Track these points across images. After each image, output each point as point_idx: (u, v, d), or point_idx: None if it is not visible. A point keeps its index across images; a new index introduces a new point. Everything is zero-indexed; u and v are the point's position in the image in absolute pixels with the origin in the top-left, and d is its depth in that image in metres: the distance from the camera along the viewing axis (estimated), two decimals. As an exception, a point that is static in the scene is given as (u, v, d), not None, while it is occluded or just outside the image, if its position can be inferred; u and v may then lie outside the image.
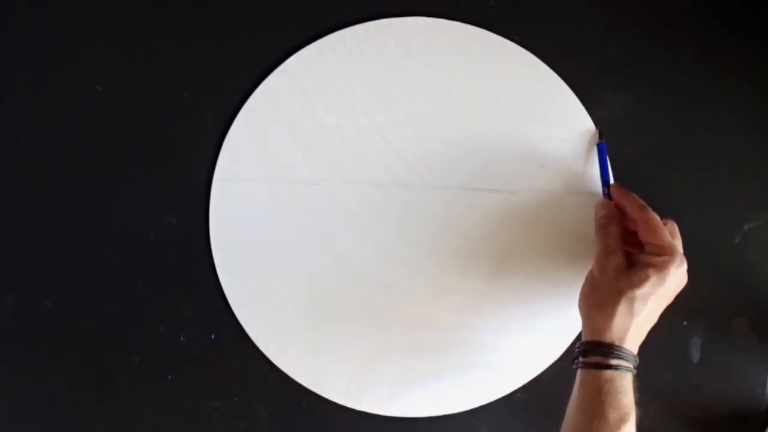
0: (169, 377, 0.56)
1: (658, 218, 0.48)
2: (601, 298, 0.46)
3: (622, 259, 0.47)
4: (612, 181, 0.53)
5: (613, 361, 0.44)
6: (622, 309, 0.45)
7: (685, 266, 0.47)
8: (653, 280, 0.45)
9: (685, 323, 0.56)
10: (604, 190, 0.53)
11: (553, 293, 0.54)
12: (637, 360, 0.46)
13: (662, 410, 0.56)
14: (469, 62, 0.54)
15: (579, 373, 0.46)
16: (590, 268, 0.50)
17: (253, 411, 0.56)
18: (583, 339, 0.47)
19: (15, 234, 0.55)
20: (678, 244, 0.49)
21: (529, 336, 0.54)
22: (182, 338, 0.55)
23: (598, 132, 0.54)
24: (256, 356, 0.55)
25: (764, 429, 0.56)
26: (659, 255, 0.46)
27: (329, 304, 0.54)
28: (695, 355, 0.56)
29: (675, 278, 0.46)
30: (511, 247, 0.54)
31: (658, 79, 0.55)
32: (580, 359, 0.46)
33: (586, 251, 0.53)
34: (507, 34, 0.54)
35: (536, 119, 0.54)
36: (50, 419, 0.56)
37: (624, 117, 0.55)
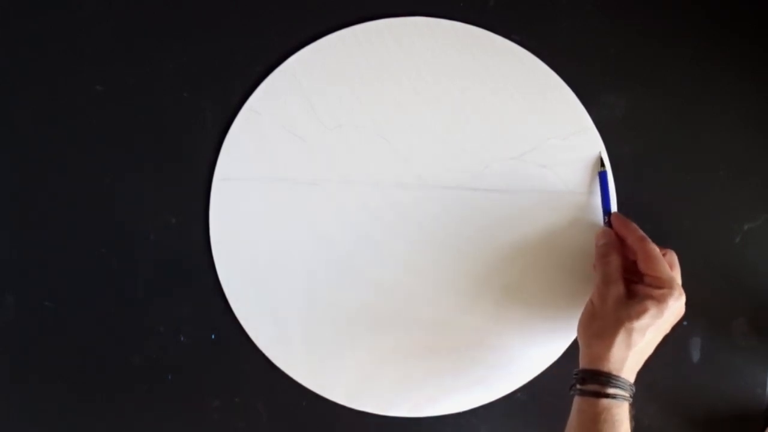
0: (169, 377, 0.56)
1: (657, 250, 0.49)
2: (600, 328, 0.47)
3: (622, 290, 0.48)
4: (614, 209, 0.53)
5: (611, 390, 0.45)
6: (620, 339, 0.46)
7: (683, 299, 0.47)
8: (652, 312, 0.46)
9: (685, 323, 0.55)
10: (604, 218, 0.53)
11: (553, 294, 0.54)
12: (634, 389, 0.47)
13: (662, 410, 0.56)
14: (469, 62, 0.54)
15: (576, 400, 0.47)
16: (591, 275, 0.50)
17: (253, 411, 0.56)
18: (581, 366, 0.48)
19: (15, 234, 0.55)
20: (677, 274, 0.49)
21: (529, 336, 0.54)
22: (182, 338, 0.55)
23: (600, 159, 0.54)
24: (256, 356, 0.55)
25: (764, 429, 0.56)
26: (658, 287, 0.47)
27: (329, 304, 0.54)
28: (695, 355, 0.56)
29: (673, 310, 0.47)
30: (511, 247, 0.54)
31: (658, 79, 0.55)
32: (578, 386, 0.47)
33: (586, 251, 0.54)
34: (507, 34, 0.54)
35: (536, 119, 0.54)
36: (50, 419, 0.56)
37: (624, 117, 0.55)
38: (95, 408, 0.56)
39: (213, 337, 0.55)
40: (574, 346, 0.54)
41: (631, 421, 0.46)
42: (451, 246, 0.54)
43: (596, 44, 0.55)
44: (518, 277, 0.54)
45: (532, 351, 0.55)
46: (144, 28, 0.55)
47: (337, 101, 0.54)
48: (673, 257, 0.50)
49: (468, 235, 0.54)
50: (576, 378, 0.47)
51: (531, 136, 0.54)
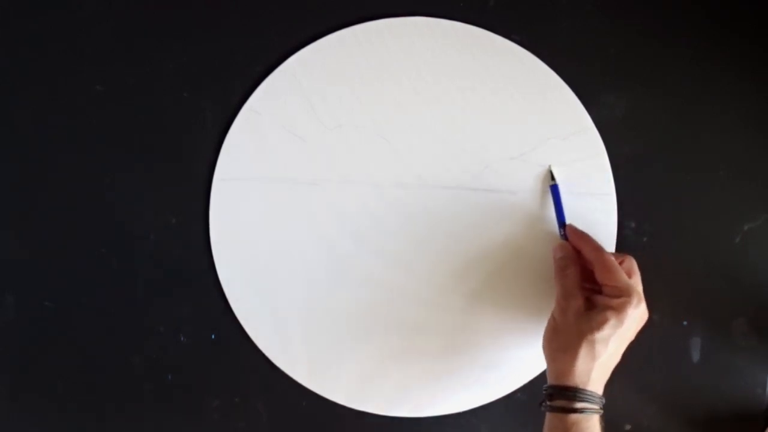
0: (169, 377, 0.56)
1: (612, 259, 0.48)
2: (562, 342, 0.47)
3: (581, 302, 0.48)
4: (567, 221, 0.53)
5: (578, 405, 0.45)
6: (584, 352, 0.45)
7: (643, 305, 0.47)
8: (612, 322, 0.46)
9: (685, 323, 0.55)
10: (560, 231, 0.53)
11: (553, 294, 0.54)
12: (603, 400, 0.47)
13: (662, 410, 0.56)
14: (469, 62, 0.54)
15: (547, 416, 0.47)
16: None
17: (253, 411, 0.56)
18: (548, 382, 0.48)
19: (15, 234, 0.55)
20: (636, 281, 0.49)
21: (529, 336, 0.54)
22: (182, 338, 0.55)
23: (550, 173, 0.53)
24: (256, 356, 0.55)
25: (764, 429, 0.56)
26: (617, 297, 0.47)
27: (329, 304, 0.54)
28: (695, 355, 0.56)
29: (634, 318, 0.46)
30: (511, 248, 0.54)
31: (658, 79, 0.55)
32: (547, 402, 0.47)
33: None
34: (507, 34, 0.54)
35: (536, 119, 0.54)
36: (50, 419, 0.56)
37: (624, 117, 0.55)
38: (95, 408, 0.56)
39: (213, 337, 0.55)
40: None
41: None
42: (450, 245, 0.54)
43: (596, 44, 0.55)
44: (519, 277, 0.54)
45: (532, 351, 0.55)
46: (144, 28, 0.55)
47: (337, 101, 0.54)
48: (632, 264, 0.50)
49: (467, 235, 0.54)
50: (545, 394, 0.47)
51: (531, 136, 0.54)
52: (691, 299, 0.55)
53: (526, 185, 0.54)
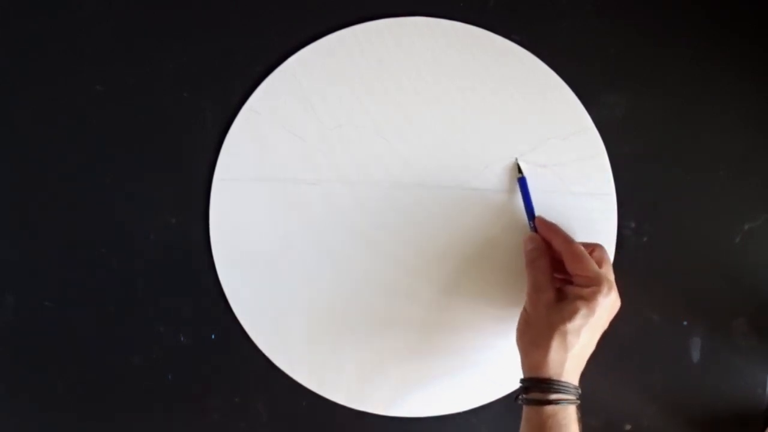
0: (169, 377, 0.56)
1: (582, 249, 0.48)
2: (535, 334, 0.47)
3: (551, 294, 0.48)
4: (536, 213, 0.53)
5: (553, 396, 0.45)
6: (556, 344, 0.45)
7: (614, 293, 0.47)
8: (583, 312, 0.46)
9: (685, 323, 0.56)
10: (530, 224, 0.53)
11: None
12: (579, 390, 0.47)
13: (662, 410, 0.56)
14: (469, 62, 0.54)
15: (524, 409, 0.47)
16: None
17: (253, 411, 0.56)
18: (523, 375, 0.48)
19: (15, 234, 0.55)
20: (606, 269, 0.49)
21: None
22: (182, 338, 0.55)
23: (517, 166, 0.53)
24: (256, 356, 0.55)
25: (764, 429, 0.56)
26: (587, 286, 0.46)
27: (329, 304, 0.55)
28: (695, 355, 0.56)
29: (605, 306, 0.46)
30: (511, 248, 0.54)
31: (658, 79, 0.55)
32: (523, 395, 0.47)
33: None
34: (507, 34, 0.54)
35: (536, 119, 0.54)
36: (50, 419, 0.56)
37: (624, 117, 0.55)
38: (95, 408, 0.56)
39: (213, 337, 0.55)
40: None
41: (579, 422, 0.46)
42: (450, 245, 0.54)
43: (596, 44, 0.55)
44: (519, 277, 0.54)
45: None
46: (144, 28, 0.55)
47: (337, 101, 0.54)
48: (602, 252, 0.50)
49: (468, 235, 0.54)
50: (520, 387, 0.47)
51: (531, 136, 0.54)
52: (691, 299, 0.55)
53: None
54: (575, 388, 0.46)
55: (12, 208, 0.55)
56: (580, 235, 0.54)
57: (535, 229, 0.52)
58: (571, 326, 0.45)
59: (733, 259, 0.55)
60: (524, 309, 0.49)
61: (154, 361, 0.55)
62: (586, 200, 0.54)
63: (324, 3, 0.54)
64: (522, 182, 0.53)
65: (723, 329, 0.56)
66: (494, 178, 0.54)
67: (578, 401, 0.46)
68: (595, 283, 0.46)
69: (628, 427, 0.56)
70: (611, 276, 0.49)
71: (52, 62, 0.55)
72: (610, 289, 0.46)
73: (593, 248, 0.50)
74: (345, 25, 0.54)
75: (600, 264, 0.49)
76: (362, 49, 0.54)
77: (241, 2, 0.55)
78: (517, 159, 0.53)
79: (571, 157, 0.54)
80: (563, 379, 0.46)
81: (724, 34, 0.55)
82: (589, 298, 0.46)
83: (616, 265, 0.54)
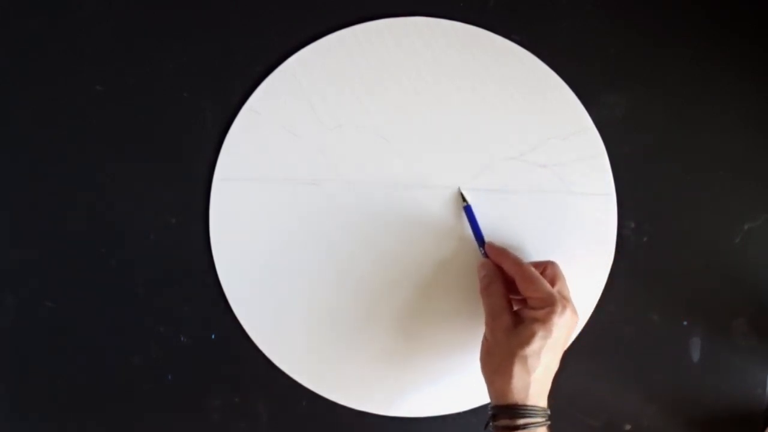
0: (169, 377, 0.56)
1: (532, 270, 0.48)
2: (496, 363, 0.47)
3: (508, 318, 0.47)
4: (486, 239, 0.53)
5: (521, 421, 0.45)
6: (518, 369, 0.45)
7: (568, 310, 0.46)
8: (540, 334, 0.45)
9: (685, 323, 0.56)
10: (480, 250, 0.53)
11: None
12: (548, 411, 0.46)
13: (662, 410, 0.56)
14: (469, 62, 0.54)
15: None
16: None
17: (253, 411, 0.56)
18: (491, 403, 0.48)
19: (15, 234, 0.55)
20: (560, 286, 0.49)
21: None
22: (182, 338, 0.55)
23: (461, 195, 0.53)
24: (256, 356, 0.55)
25: (764, 429, 0.56)
26: (541, 308, 0.46)
27: (329, 304, 0.55)
28: (695, 355, 0.56)
29: (561, 325, 0.46)
30: (514, 246, 0.54)
31: (658, 79, 0.55)
32: (492, 423, 0.47)
33: (589, 249, 0.54)
34: (507, 34, 0.54)
35: (536, 119, 0.54)
36: (50, 419, 0.56)
37: (624, 117, 0.55)
38: (96, 408, 0.56)
39: (213, 337, 0.55)
40: (575, 346, 0.54)
41: None
42: (450, 245, 0.54)
43: (596, 44, 0.55)
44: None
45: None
46: (144, 28, 0.55)
47: (337, 101, 0.54)
48: (555, 269, 0.50)
49: (468, 235, 0.54)
50: (489, 415, 0.47)
51: (531, 136, 0.54)
52: (691, 299, 0.55)
53: (526, 185, 0.54)
54: (543, 410, 0.46)
55: (12, 209, 0.55)
56: (580, 235, 0.54)
57: (486, 255, 0.52)
58: (530, 350, 0.45)
59: (733, 259, 0.55)
60: (484, 337, 0.49)
61: (154, 361, 0.55)
62: (586, 200, 0.54)
63: (324, 3, 0.54)
64: (468, 210, 0.53)
65: (723, 329, 0.56)
66: (494, 178, 0.54)
67: (548, 422, 0.46)
68: (548, 304, 0.46)
69: (628, 427, 0.56)
70: (566, 292, 0.49)
71: (52, 62, 0.55)
72: (564, 307, 0.46)
73: (545, 267, 0.50)
74: (345, 25, 0.54)
75: (553, 282, 0.48)
76: (362, 49, 0.54)
77: (241, 2, 0.55)
78: (459, 188, 0.53)
79: (571, 157, 0.54)
80: (529, 403, 0.45)
81: (724, 34, 0.55)
82: (545, 320, 0.46)
83: (616, 265, 0.55)
